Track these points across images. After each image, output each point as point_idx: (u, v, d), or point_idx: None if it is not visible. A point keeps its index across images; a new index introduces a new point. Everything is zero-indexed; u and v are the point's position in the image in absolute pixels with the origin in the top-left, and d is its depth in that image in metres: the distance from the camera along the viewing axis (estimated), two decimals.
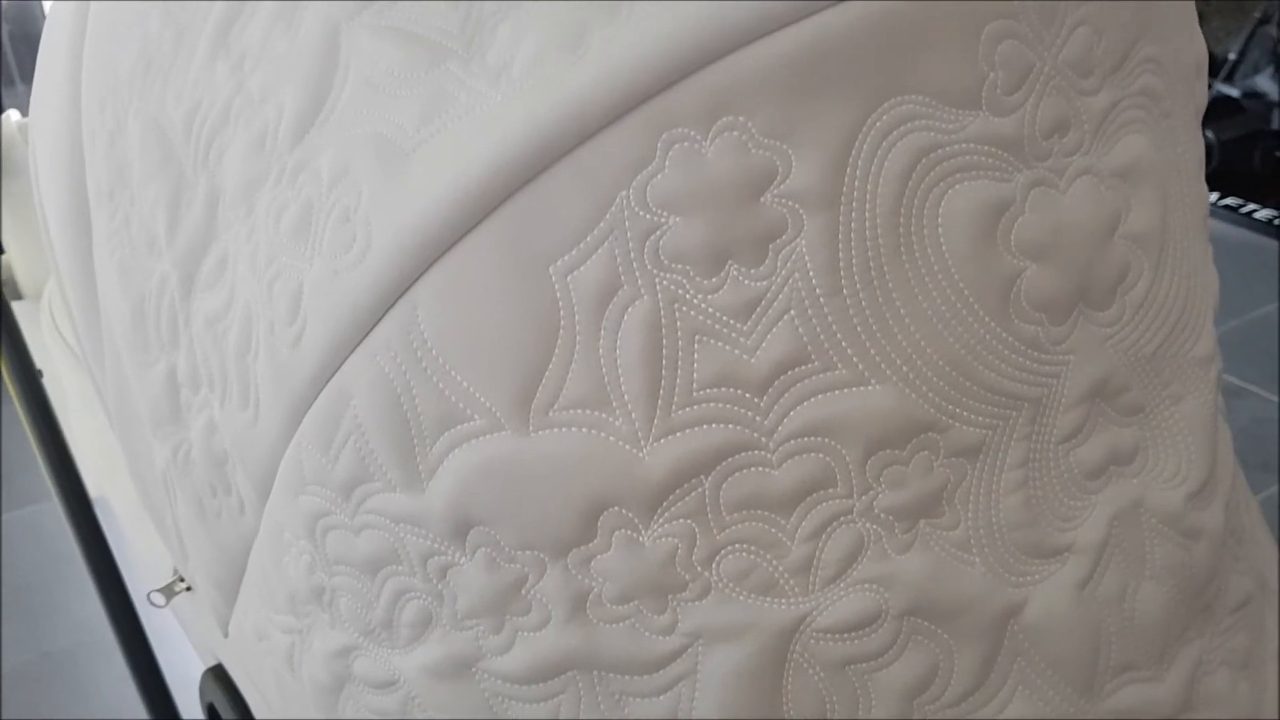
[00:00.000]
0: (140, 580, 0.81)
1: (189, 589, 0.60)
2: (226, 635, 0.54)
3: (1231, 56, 2.41)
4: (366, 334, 0.37)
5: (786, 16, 0.34)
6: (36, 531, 1.72)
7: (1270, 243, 2.21)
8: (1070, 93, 0.38)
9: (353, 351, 0.38)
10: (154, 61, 0.46)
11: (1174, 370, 0.41)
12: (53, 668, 1.49)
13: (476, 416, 0.37)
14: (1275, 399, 1.82)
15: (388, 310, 0.37)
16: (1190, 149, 0.43)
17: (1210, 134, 2.31)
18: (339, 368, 0.38)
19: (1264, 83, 2.35)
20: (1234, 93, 2.39)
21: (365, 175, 0.37)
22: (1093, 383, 0.39)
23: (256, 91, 0.42)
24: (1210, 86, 2.36)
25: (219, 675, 0.64)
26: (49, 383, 0.87)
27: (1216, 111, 2.36)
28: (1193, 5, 0.43)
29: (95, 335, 0.55)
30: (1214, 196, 2.31)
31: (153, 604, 0.59)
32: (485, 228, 0.35)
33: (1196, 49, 0.43)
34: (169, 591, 0.59)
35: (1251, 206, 2.27)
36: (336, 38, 0.40)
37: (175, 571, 0.61)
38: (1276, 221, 2.22)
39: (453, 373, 0.37)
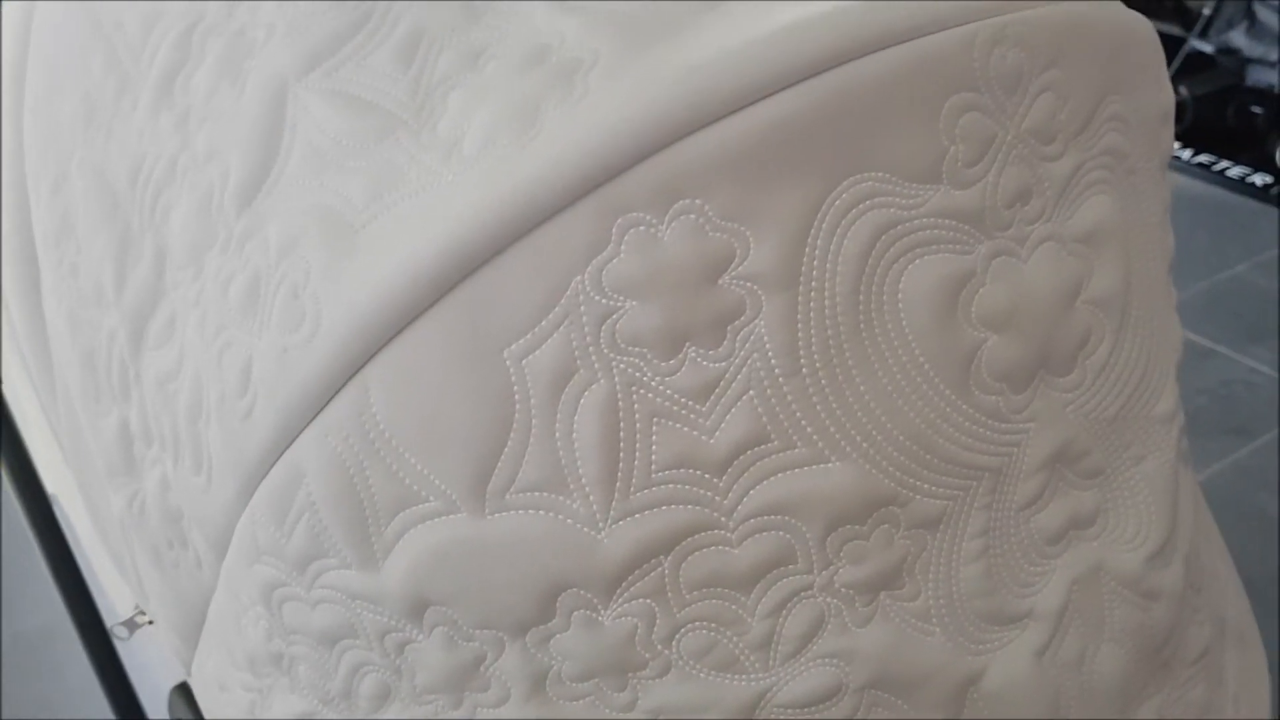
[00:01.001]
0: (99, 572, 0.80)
1: (151, 623, 0.59)
2: (189, 674, 0.53)
3: (1206, 12, 2.40)
4: (318, 412, 0.37)
5: (742, 99, 0.33)
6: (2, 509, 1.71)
7: (1241, 201, 2.21)
8: (1032, 160, 0.37)
9: (304, 429, 0.37)
10: (97, 110, 0.45)
11: (1135, 431, 0.41)
12: (26, 647, 1.49)
13: (431, 498, 0.36)
14: (1244, 360, 1.83)
15: (339, 391, 0.36)
16: (1154, 201, 0.42)
17: (1183, 90, 2.31)
18: (291, 444, 0.38)
19: (1238, 38, 2.34)
20: (1207, 48, 2.38)
21: (313, 251, 0.36)
22: (1053, 449, 0.39)
23: (202, 149, 0.41)
24: (1184, 41, 2.35)
25: (186, 694, 0.64)
26: (6, 387, 0.86)
27: (1190, 67, 2.35)
28: (1161, 53, 0.43)
29: (47, 375, 0.54)
30: (1186, 154, 2.31)
31: (116, 637, 0.58)
32: (437, 312, 0.35)
33: (1163, 99, 0.43)
34: (132, 625, 0.59)
35: (1224, 164, 2.27)
36: (283, 99, 0.39)
37: (137, 606, 0.60)
38: (1249, 179, 2.22)
39: (406, 455, 0.36)
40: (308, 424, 0.37)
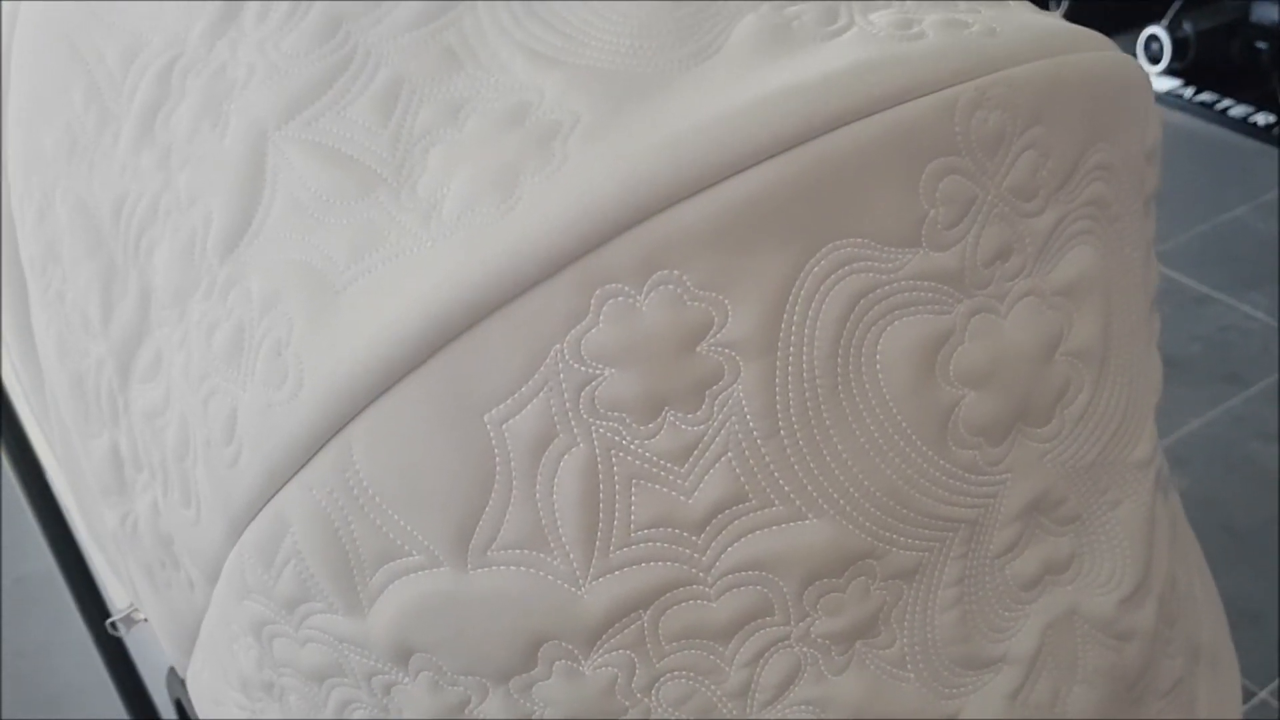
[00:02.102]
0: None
1: (146, 620, 0.60)
2: (184, 680, 0.54)
3: None
4: (302, 467, 0.37)
5: (721, 172, 0.33)
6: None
7: (1243, 143, 2.20)
8: (1013, 218, 0.37)
9: (289, 481, 0.38)
10: (79, 142, 0.45)
11: (1112, 476, 0.41)
12: (29, 590, 1.51)
13: (415, 553, 0.37)
14: (1242, 307, 1.83)
15: (322, 447, 0.37)
16: (1138, 240, 0.42)
17: (1187, 26, 2.28)
18: (276, 494, 0.38)
19: None
20: None
21: (296, 309, 0.37)
22: (1030, 499, 0.39)
23: (184, 192, 0.41)
24: None
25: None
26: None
27: (1194, 1, 2.32)
28: (1149, 91, 0.42)
29: (38, 384, 0.54)
30: (1188, 92, 2.29)
31: (111, 632, 0.60)
32: (418, 376, 0.35)
33: (1150, 137, 0.42)
34: (129, 621, 0.60)
35: (1226, 103, 2.25)
36: (264, 148, 0.39)
37: (132, 603, 0.61)
38: (1251, 119, 2.21)
39: (389, 512, 0.37)
40: (292, 477, 0.37)
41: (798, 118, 0.34)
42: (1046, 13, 0.43)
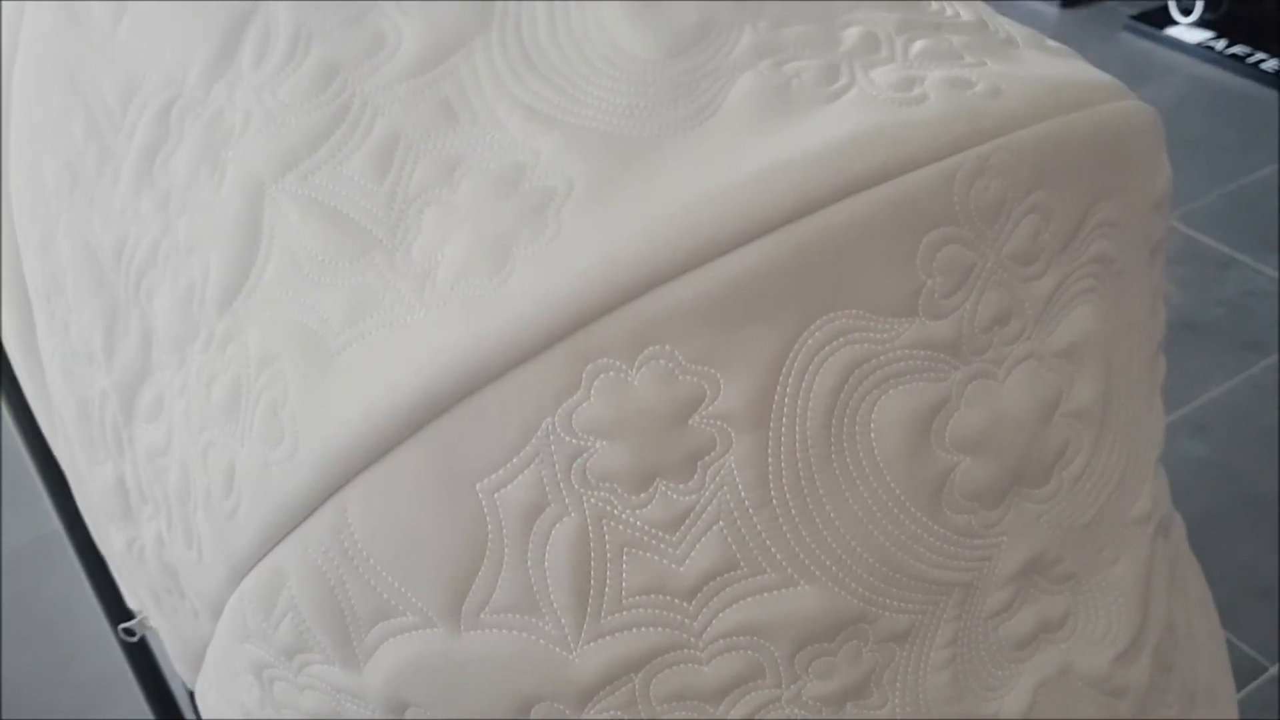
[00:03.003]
0: None
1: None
2: (192, 693, 0.55)
3: None
4: (299, 524, 0.37)
5: (714, 250, 0.33)
6: None
7: (1274, 98, 2.15)
8: (1013, 283, 0.37)
9: (286, 537, 0.38)
10: (79, 178, 0.44)
11: (1109, 534, 0.41)
12: (50, 549, 1.53)
13: (409, 614, 0.37)
14: (1265, 270, 1.80)
15: (318, 508, 0.37)
16: (1143, 291, 0.42)
17: None
18: (274, 547, 0.38)
19: None
20: None
21: (292, 370, 0.37)
22: (1026, 560, 0.39)
23: (183, 239, 0.41)
24: None
25: None
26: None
27: None
28: (1160, 137, 0.42)
29: (47, 411, 0.55)
30: (1220, 45, 2.24)
31: (124, 637, 0.60)
32: (411, 445, 0.35)
33: (1158, 185, 0.42)
34: (142, 625, 0.61)
35: (1259, 56, 2.20)
36: (260, 202, 0.39)
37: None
38: None
39: (384, 573, 0.37)
40: (288, 534, 0.38)
41: (793, 194, 0.33)
42: (1059, 52, 0.42)
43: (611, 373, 0.34)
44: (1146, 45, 2.32)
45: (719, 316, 0.34)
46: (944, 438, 0.37)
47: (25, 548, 1.52)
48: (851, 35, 0.38)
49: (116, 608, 0.78)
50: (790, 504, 0.36)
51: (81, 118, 0.44)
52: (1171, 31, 2.30)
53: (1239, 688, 1.23)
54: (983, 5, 0.45)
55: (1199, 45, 2.25)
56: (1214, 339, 1.70)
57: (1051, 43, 0.43)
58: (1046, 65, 0.40)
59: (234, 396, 0.38)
